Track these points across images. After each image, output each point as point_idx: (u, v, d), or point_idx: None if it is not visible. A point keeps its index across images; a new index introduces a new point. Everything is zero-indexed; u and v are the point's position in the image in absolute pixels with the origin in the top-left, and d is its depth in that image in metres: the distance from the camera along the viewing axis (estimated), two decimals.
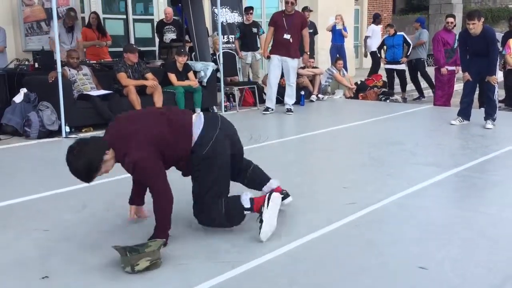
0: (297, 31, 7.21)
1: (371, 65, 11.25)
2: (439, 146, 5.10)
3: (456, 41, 8.05)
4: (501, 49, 7.76)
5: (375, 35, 11.14)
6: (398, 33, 9.80)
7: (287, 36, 7.10)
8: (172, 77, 6.98)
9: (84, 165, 2.47)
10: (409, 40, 9.64)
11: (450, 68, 8.08)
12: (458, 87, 9.59)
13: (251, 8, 9.12)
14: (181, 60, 7.02)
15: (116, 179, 3.94)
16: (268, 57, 7.43)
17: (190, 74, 7.18)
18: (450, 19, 8.07)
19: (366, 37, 11.39)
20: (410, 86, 10.20)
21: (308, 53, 7.95)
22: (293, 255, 2.59)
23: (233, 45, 9.59)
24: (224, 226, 2.84)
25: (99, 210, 3.28)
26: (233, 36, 9.84)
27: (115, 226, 3.00)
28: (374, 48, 10.90)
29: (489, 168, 4.28)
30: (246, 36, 8.80)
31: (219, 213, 2.75)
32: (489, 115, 6.10)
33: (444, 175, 4.00)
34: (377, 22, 11.28)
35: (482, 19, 5.90)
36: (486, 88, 6.22)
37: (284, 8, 7.32)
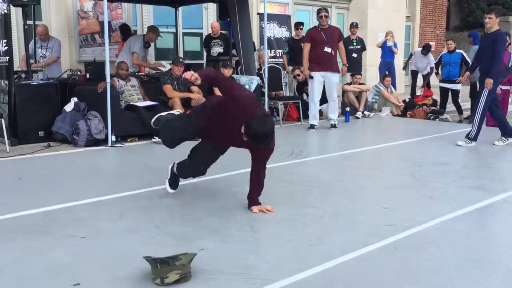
0: (335, 44, 7.16)
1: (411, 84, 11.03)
2: (489, 169, 4.88)
3: (511, 60, 7.75)
4: None
5: (419, 59, 10.76)
6: (457, 50, 9.26)
7: (328, 50, 7.05)
8: (217, 90, 7.04)
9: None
10: (468, 59, 9.03)
11: (504, 87, 7.75)
12: None
13: (301, 23, 9.16)
14: (226, 73, 7.09)
15: (152, 190, 4.02)
16: (311, 77, 7.27)
17: None
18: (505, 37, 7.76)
19: (411, 55, 11.11)
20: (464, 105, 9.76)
21: (347, 65, 7.83)
22: (326, 276, 2.52)
23: (280, 60, 9.64)
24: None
25: (135, 220, 3.33)
26: (280, 50, 9.89)
27: (149, 237, 3.02)
28: (413, 67, 10.66)
29: None
30: (295, 51, 8.82)
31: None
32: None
33: (491, 200, 3.81)
34: (424, 52, 10.86)
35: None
36: None
37: (318, 24, 7.27)
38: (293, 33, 9.27)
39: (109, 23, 8.21)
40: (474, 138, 6.01)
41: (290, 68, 8.87)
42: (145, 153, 5.61)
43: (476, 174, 4.68)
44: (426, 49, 10.57)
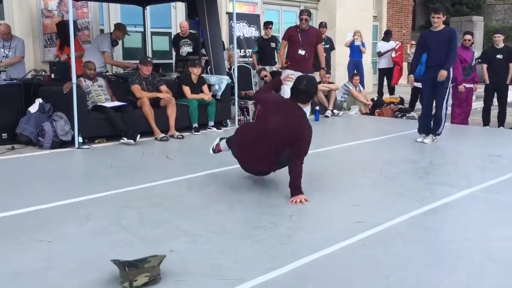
0: (312, 47, 7.17)
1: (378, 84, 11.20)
2: (454, 165, 4.99)
3: (474, 58, 7.95)
4: None
5: (383, 47, 10.97)
6: None
7: (302, 52, 7.07)
8: (186, 89, 7.00)
9: None
10: None
11: (467, 85, 7.94)
12: (478, 105, 9.44)
13: (271, 23, 9.18)
14: (196, 72, 7.04)
15: (120, 191, 3.96)
16: (287, 68, 7.41)
17: (205, 87, 7.20)
18: (468, 37, 7.95)
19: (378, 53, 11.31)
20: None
21: (325, 68, 7.91)
22: (296, 275, 2.52)
23: (250, 59, 9.63)
24: None
25: (103, 222, 3.26)
26: (250, 50, 9.89)
27: (117, 239, 2.97)
28: (381, 65, 10.83)
29: (505, 190, 4.14)
30: (264, 50, 8.84)
31: None
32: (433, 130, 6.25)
33: (457, 196, 3.90)
34: (386, 39, 11.06)
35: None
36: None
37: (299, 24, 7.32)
38: (263, 32, 9.27)
39: (75, 22, 8.03)
40: (440, 133, 6.22)
41: (260, 67, 8.88)
42: (113, 155, 5.52)
43: (442, 171, 4.78)
44: (386, 35, 10.87)
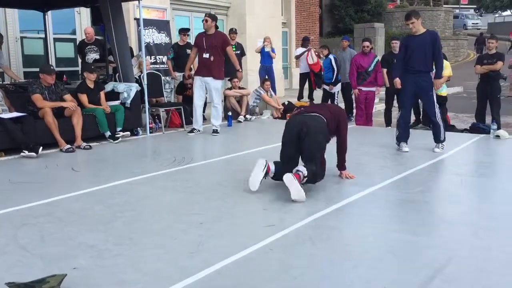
0: (218, 51, 7.21)
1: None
2: (359, 165, 5.23)
3: (373, 63, 8.36)
4: None
5: (301, 57, 11.34)
6: (330, 55, 9.74)
7: (206, 55, 7.12)
8: (83, 98, 6.71)
9: None
10: (334, 66, 9.53)
11: (364, 89, 8.37)
12: (381, 107, 9.99)
13: (188, 29, 9.25)
14: (92, 78, 6.78)
15: (17, 209, 3.72)
16: (189, 76, 7.58)
17: (102, 94, 6.93)
18: (366, 43, 8.38)
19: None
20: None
21: (241, 70, 8.01)
22: (205, 283, 2.51)
23: (161, 66, 9.49)
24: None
25: None
26: (161, 56, 9.73)
27: (14, 260, 2.77)
28: (301, 70, 11.17)
29: (403, 187, 4.42)
30: (180, 57, 8.75)
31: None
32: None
33: (360, 194, 4.09)
34: (304, 45, 11.47)
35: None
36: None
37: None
38: (178, 38, 9.18)
39: None
40: (444, 140, 6.00)
41: (177, 74, 8.80)
42: (13, 169, 5.17)
43: (348, 171, 4.98)
44: (304, 41, 11.24)
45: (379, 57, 8.80)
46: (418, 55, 5.82)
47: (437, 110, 6.01)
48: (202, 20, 7.18)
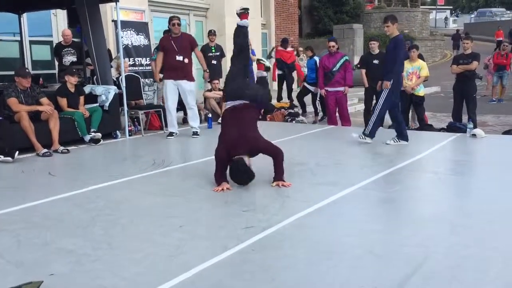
0: (189, 53, 7.18)
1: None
2: (338, 166, 5.27)
3: (338, 63, 8.38)
4: None
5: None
6: (315, 57, 9.88)
7: (179, 58, 7.06)
8: (63, 102, 6.63)
9: None
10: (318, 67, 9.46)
11: (330, 89, 8.42)
12: (361, 107, 10.06)
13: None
14: (73, 81, 6.70)
15: None
16: (161, 80, 7.46)
17: (81, 99, 6.86)
18: (331, 43, 8.42)
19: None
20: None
21: (208, 71, 7.94)
22: (186, 286, 2.50)
23: (140, 68, 9.41)
24: None
25: None
26: (140, 58, 9.65)
27: None
28: (278, 71, 11.26)
29: (382, 186, 4.46)
30: None
31: None
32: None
33: (340, 194, 4.12)
34: (283, 46, 11.52)
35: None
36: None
37: (170, 31, 7.23)
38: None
39: None
40: (370, 135, 6.43)
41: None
42: None
43: (327, 171, 5.02)
44: (283, 42, 11.32)
45: (356, 57, 8.88)
46: (387, 57, 6.42)
47: (379, 109, 6.42)
48: (173, 23, 7.08)
